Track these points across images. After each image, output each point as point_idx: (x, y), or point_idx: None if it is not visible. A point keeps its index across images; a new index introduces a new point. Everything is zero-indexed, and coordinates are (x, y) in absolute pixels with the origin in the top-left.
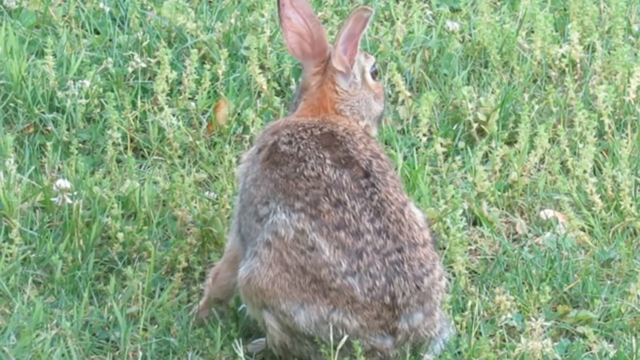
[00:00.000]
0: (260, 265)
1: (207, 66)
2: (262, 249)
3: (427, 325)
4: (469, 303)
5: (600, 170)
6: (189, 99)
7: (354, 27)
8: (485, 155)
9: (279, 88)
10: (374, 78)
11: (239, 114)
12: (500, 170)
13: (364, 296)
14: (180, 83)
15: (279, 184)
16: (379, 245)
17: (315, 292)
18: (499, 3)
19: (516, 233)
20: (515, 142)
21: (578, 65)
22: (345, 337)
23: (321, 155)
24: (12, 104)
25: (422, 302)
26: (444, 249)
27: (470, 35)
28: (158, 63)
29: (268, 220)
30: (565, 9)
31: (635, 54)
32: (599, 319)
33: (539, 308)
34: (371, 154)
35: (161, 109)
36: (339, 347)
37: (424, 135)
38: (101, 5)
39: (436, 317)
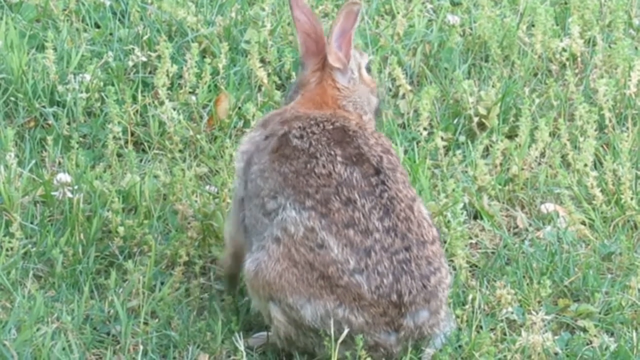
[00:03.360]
0: (268, 259)
1: (208, 60)
2: (270, 243)
3: (432, 323)
4: (470, 297)
5: (600, 163)
6: (190, 92)
7: (345, 23)
8: (486, 149)
9: (279, 82)
10: (368, 73)
11: (239, 107)
12: (500, 164)
13: (371, 294)
14: (180, 77)
15: (288, 179)
16: (387, 243)
17: (322, 287)
18: None
19: (517, 227)
20: (516, 135)
21: (579, 59)
22: (347, 330)
23: (332, 152)
24: (12, 98)
25: (428, 300)
26: (445, 242)
27: (471, 29)
28: (159, 57)
29: (277, 216)
30: (565, 3)
31: (636, 48)
32: (600, 313)
33: (539, 302)
34: (382, 149)
35: (162, 103)
36: (340, 339)
37: (425, 129)
38: None
39: (441, 315)
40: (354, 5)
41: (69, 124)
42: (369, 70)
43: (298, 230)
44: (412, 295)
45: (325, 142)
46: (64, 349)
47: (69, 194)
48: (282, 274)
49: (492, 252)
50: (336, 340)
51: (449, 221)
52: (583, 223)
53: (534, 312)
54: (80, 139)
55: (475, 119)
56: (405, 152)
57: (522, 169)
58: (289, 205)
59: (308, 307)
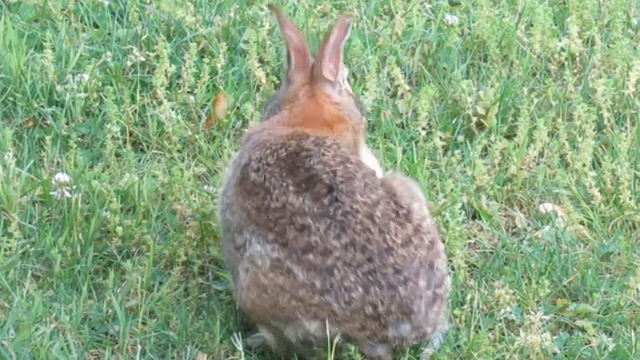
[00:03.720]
0: (241, 290)
1: (206, 60)
2: (242, 274)
3: (416, 336)
4: (468, 297)
5: (599, 163)
6: (188, 92)
7: (338, 36)
8: (485, 149)
9: (277, 82)
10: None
11: (238, 107)
12: (499, 164)
13: (343, 310)
14: (179, 77)
15: (251, 215)
16: (348, 258)
17: (295, 308)
18: None
19: (515, 227)
20: (515, 135)
21: (577, 59)
22: (338, 336)
23: (284, 184)
24: (11, 98)
25: (406, 313)
26: (444, 242)
27: (470, 28)
28: (157, 57)
29: (246, 252)
30: (564, 3)
31: (635, 48)
32: (598, 313)
33: (538, 302)
34: (340, 159)
35: (160, 103)
36: (335, 340)
37: (423, 129)
38: None
39: (428, 330)
40: (347, 17)
41: (67, 123)
42: (348, 81)
43: (265, 263)
44: (386, 305)
45: (278, 173)
46: (62, 348)
47: (68, 194)
48: (255, 302)
49: (491, 252)
50: (327, 348)
51: (447, 221)
52: (582, 223)
53: (532, 312)
54: (79, 138)
55: (474, 119)
56: (404, 152)
57: (521, 169)
58: (254, 240)
59: (289, 328)
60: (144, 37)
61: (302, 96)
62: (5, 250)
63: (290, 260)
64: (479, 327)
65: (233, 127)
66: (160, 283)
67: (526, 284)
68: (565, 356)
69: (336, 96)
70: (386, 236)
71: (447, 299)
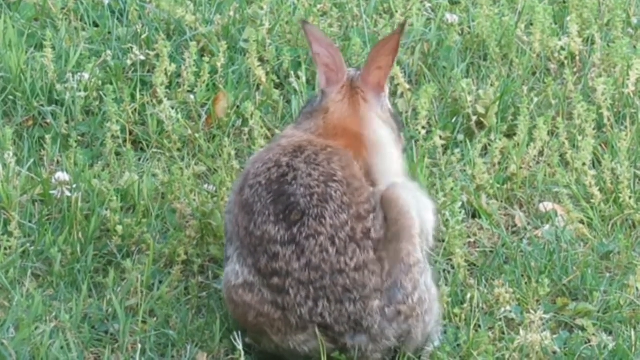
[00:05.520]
0: (224, 300)
1: (206, 59)
2: (223, 285)
3: (374, 348)
4: (468, 295)
5: (599, 162)
6: (188, 91)
7: (388, 46)
8: (485, 148)
9: (277, 81)
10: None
11: (238, 106)
12: (499, 163)
13: (298, 325)
14: (179, 76)
15: (240, 232)
16: (304, 278)
17: (262, 323)
18: None
19: (515, 225)
20: (515, 134)
21: (577, 58)
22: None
23: (267, 212)
24: (11, 97)
25: (357, 326)
26: (443, 241)
27: (470, 27)
28: (157, 56)
29: (228, 266)
30: (564, 2)
31: (635, 47)
32: (598, 312)
33: (538, 300)
34: (325, 178)
35: (160, 102)
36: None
37: (423, 128)
38: None
39: (390, 344)
40: (402, 25)
41: (67, 122)
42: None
43: (238, 280)
44: (334, 317)
45: (265, 198)
46: (62, 347)
47: (68, 193)
48: (232, 314)
49: (491, 251)
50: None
51: (447, 220)
52: (581, 222)
53: (532, 311)
54: (79, 137)
55: (474, 118)
56: (404, 151)
57: (521, 168)
58: (236, 259)
59: (263, 340)
60: (144, 36)
61: (337, 110)
62: (5, 249)
63: (261, 284)
64: (479, 326)
65: (233, 126)
66: (160, 282)
67: (526, 283)
68: (565, 355)
69: (377, 108)
70: (341, 258)
71: (422, 312)
